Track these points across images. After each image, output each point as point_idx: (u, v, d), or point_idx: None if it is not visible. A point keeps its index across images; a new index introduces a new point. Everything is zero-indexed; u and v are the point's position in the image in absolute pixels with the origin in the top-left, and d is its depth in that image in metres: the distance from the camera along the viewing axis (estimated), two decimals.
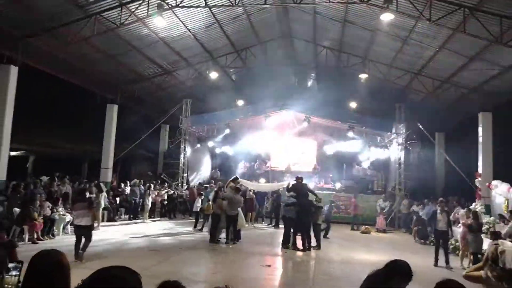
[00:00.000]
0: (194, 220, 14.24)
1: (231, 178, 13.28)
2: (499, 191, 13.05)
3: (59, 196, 12.55)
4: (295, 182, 12.05)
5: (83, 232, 8.47)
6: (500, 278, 3.19)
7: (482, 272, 3.50)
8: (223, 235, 11.66)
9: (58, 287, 1.78)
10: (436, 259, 9.73)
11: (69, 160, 20.13)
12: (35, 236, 10.24)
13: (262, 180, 18.96)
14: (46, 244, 9.97)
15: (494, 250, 3.33)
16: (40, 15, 11.25)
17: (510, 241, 7.88)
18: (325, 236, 13.12)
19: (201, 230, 13.33)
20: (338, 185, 19.26)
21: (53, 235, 11.06)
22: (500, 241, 3.80)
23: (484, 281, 3.37)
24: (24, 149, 18.55)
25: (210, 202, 13.03)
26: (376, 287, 2.61)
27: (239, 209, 11.92)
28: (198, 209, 13.96)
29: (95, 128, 18.62)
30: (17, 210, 10.55)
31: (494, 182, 13.63)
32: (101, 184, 14.37)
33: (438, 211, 10.18)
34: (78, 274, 1.85)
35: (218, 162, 21.53)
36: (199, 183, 18.59)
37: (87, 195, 9.62)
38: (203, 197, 14.57)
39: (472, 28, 10.54)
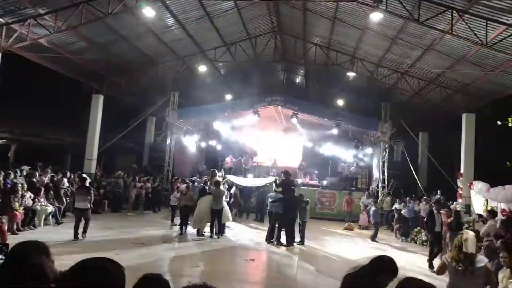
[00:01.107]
0: (171, 215, 13.70)
1: (211, 172, 13.25)
2: (479, 190, 13.38)
3: (41, 186, 12.33)
4: (283, 177, 12.12)
5: (82, 214, 9.90)
6: (462, 262, 3.92)
7: (443, 257, 4.32)
8: (207, 229, 11.65)
9: (37, 277, 1.76)
10: (431, 262, 9.16)
11: (52, 150, 19.75)
12: (15, 226, 10.05)
13: (250, 175, 18.96)
14: (26, 235, 9.79)
15: (460, 238, 4.08)
16: (26, 1, 10.96)
17: (487, 240, 8.10)
18: (373, 240, 12.94)
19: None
20: (325, 182, 19.44)
21: (34, 226, 10.87)
22: (464, 231, 4.51)
23: (446, 266, 4.12)
24: (6, 137, 18.13)
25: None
26: (362, 286, 2.54)
27: (225, 203, 11.94)
28: (176, 203, 13.75)
29: (80, 118, 18.32)
30: None
31: (475, 182, 13.97)
32: (84, 176, 14.16)
33: (435, 212, 9.73)
34: (58, 266, 1.83)
35: (204, 156, 21.46)
36: (177, 178, 18.24)
37: (87, 183, 10.83)
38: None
39: (459, 30, 10.71)
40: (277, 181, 12.19)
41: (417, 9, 10.56)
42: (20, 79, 17.74)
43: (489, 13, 9.94)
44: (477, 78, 13.58)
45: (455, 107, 16.03)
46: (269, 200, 11.92)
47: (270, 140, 22.04)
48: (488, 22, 10.12)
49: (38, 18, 11.69)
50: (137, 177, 16.45)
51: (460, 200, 14.34)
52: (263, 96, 18.54)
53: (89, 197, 10.03)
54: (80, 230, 9.77)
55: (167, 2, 12.35)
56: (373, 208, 14.34)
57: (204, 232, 11.65)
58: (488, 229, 8.88)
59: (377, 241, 12.91)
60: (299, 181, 19.03)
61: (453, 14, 10.26)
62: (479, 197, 13.52)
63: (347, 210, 16.65)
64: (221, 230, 11.68)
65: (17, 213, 10.13)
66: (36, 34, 12.28)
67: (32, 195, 11.22)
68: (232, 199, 14.82)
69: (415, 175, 17.96)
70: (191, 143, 19.92)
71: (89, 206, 10.06)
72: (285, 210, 11.04)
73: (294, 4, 13.59)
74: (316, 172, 20.59)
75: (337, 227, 15.73)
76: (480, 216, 11.32)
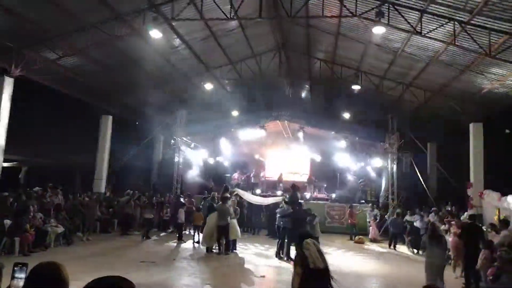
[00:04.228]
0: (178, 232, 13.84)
1: (223, 187, 13.32)
2: (490, 200, 13.20)
3: (51, 207, 12.44)
4: (291, 191, 12.09)
5: (148, 222, 14.19)
6: (437, 238, 7.57)
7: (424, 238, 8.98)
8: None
9: None
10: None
11: (62, 171, 19.98)
12: (26, 248, 10.13)
13: (258, 190, 18.94)
14: (37, 256, 9.85)
15: (434, 227, 7.88)
16: (36, 26, 11.30)
17: (501, 250, 7.99)
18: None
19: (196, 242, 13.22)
20: (333, 195, 19.27)
21: (45, 247, 10.93)
22: (435, 222, 7.41)
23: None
24: (16, 160, 18.40)
25: (201, 213, 13.23)
26: None
27: (234, 220, 11.92)
28: (182, 221, 13.86)
29: (89, 138, 18.56)
30: (8, 221, 10.44)
31: (486, 192, 13.80)
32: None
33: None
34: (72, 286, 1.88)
35: (212, 173, 21.49)
36: (188, 194, 18.34)
37: (154, 199, 15.52)
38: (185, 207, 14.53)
39: (462, 41, 10.79)
40: (286, 199, 12.15)
41: (419, 22, 10.69)
42: (30, 101, 18.09)
43: (491, 23, 10.02)
44: (483, 87, 13.58)
45: (462, 117, 15.96)
46: (278, 215, 11.87)
47: (277, 155, 22.06)
48: (491, 32, 10.19)
49: (47, 42, 12.01)
50: (141, 196, 16.49)
51: (471, 210, 14.13)
52: (269, 111, 18.68)
53: (153, 210, 14.39)
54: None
55: (173, 24, 12.62)
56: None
57: (214, 249, 11.62)
58: (503, 239, 8.75)
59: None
60: (308, 195, 18.94)
61: (455, 26, 10.35)
62: (490, 207, 13.33)
63: (350, 223, 16.49)
64: (230, 247, 11.62)
65: (28, 234, 10.22)
66: (46, 58, 12.61)
67: (43, 216, 11.32)
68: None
69: (424, 186, 17.76)
70: (198, 160, 20.02)
71: (153, 216, 14.23)
72: (293, 224, 10.99)
73: (297, 21, 13.80)
74: (325, 185, 20.46)
75: (347, 241, 15.56)
76: (492, 225, 11.13)
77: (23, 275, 1.98)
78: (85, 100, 17.01)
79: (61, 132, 19.43)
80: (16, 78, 12.43)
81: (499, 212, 12.37)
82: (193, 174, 20.40)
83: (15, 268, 2.02)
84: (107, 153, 17.54)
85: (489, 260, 8.45)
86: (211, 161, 21.00)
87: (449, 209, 15.36)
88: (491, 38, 10.28)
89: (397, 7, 10.62)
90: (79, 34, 11.89)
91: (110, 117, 17.70)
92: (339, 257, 12.18)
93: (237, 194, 14.76)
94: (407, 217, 15.09)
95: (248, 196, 15.90)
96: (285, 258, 10.89)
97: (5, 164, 15.05)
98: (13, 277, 2.02)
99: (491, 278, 8.05)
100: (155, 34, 11.94)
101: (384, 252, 13.68)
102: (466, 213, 13.64)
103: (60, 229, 11.62)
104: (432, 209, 14.81)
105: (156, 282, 7.82)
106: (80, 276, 2.65)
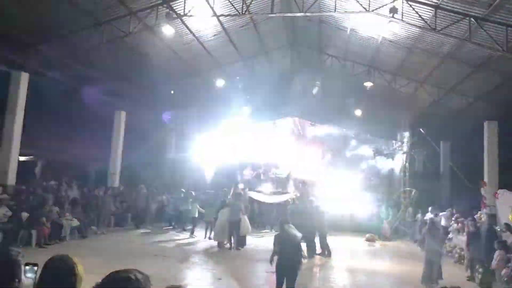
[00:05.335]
0: (192, 227, 13.94)
1: (233, 186, 13.45)
2: (505, 200, 12.99)
3: (67, 201, 12.68)
4: (301, 188, 12.14)
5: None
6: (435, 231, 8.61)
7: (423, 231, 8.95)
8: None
9: None
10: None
11: (77, 165, 20.29)
12: (43, 240, 10.36)
13: (269, 187, 18.93)
14: (53, 248, 10.08)
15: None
16: (51, 22, 11.48)
17: None
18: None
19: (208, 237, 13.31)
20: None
21: (61, 240, 11.16)
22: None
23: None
24: (32, 154, 18.74)
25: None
26: None
27: (245, 216, 12.02)
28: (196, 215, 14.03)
29: (103, 133, 18.80)
30: (25, 214, 10.70)
31: (500, 191, 13.57)
32: (109, 190, 14.55)
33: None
34: (88, 280, 1.94)
35: (223, 169, 21.55)
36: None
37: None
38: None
39: (478, 37, 10.60)
40: (297, 196, 12.21)
41: (433, 18, 10.53)
42: (46, 96, 18.37)
43: (509, 19, 9.81)
44: (498, 85, 13.32)
45: (476, 115, 15.70)
46: (289, 211, 11.90)
47: (288, 152, 22.01)
48: (508, 28, 9.99)
49: (62, 38, 12.18)
50: (155, 190, 16.71)
51: (485, 210, 13.93)
52: (280, 108, 18.66)
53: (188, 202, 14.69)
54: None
55: (184, 20, 12.65)
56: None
57: (226, 244, 11.72)
58: None
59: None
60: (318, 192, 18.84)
61: (471, 22, 10.17)
62: (505, 207, 13.11)
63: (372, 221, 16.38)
64: (241, 243, 11.71)
65: (45, 227, 10.45)
66: (61, 53, 12.78)
67: (58, 210, 11.56)
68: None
69: (437, 185, 17.54)
70: (210, 155, 20.12)
71: (190, 207, 14.40)
72: (302, 221, 10.99)
73: (309, 17, 13.73)
74: None
75: (358, 239, 15.50)
76: (507, 225, 10.97)
77: (33, 275, 2.05)
78: (99, 96, 17.20)
79: (76, 126, 19.71)
80: (32, 73, 12.64)
81: None
82: (205, 170, 20.53)
83: (26, 268, 2.09)
84: (121, 147, 17.77)
85: (504, 260, 8.37)
86: (222, 157, 21.08)
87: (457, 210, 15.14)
88: (508, 34, 10.07)
89: (411, 3, 10.47)
90: (93, 30, 12.04)
91: (124, 113, 17.91)
92: (350, 254, 12.16)
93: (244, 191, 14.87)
94: (419, 216, 14.97)
95: (260, 197, 16.02)
96: None
97: (21, 158, 15.36)
98: (24, 276, 2.09)
99: (506, 279, 7.97)
100: (168, 30, 12.01)
101: (396, 250, 13.61)
102: (479, 212, 13.47)
103: (75, 222, 11.86)
104: (447, 210, 14.58)
105: (169, 276, 7.93)
106: (94, 269, 2.73)
